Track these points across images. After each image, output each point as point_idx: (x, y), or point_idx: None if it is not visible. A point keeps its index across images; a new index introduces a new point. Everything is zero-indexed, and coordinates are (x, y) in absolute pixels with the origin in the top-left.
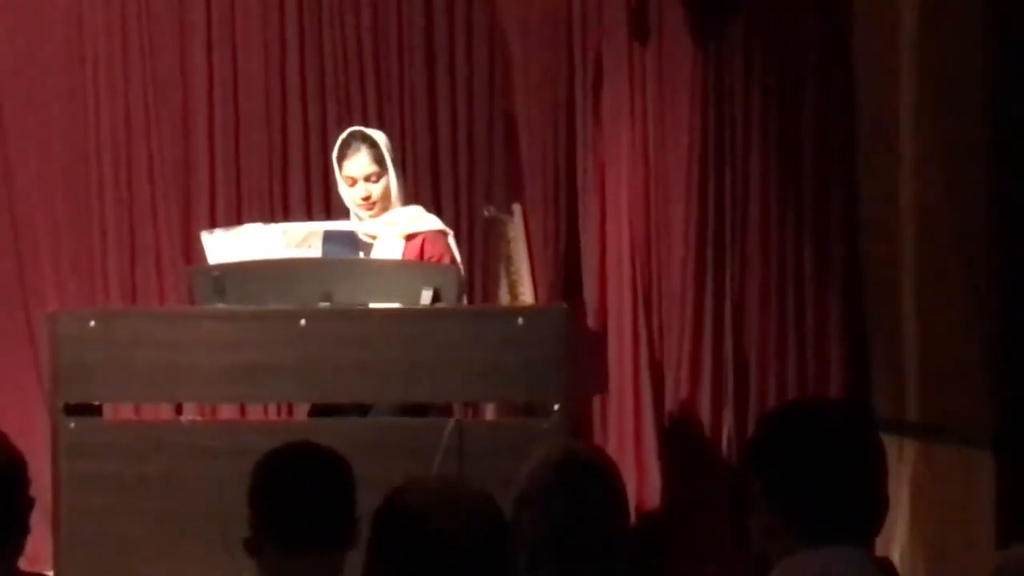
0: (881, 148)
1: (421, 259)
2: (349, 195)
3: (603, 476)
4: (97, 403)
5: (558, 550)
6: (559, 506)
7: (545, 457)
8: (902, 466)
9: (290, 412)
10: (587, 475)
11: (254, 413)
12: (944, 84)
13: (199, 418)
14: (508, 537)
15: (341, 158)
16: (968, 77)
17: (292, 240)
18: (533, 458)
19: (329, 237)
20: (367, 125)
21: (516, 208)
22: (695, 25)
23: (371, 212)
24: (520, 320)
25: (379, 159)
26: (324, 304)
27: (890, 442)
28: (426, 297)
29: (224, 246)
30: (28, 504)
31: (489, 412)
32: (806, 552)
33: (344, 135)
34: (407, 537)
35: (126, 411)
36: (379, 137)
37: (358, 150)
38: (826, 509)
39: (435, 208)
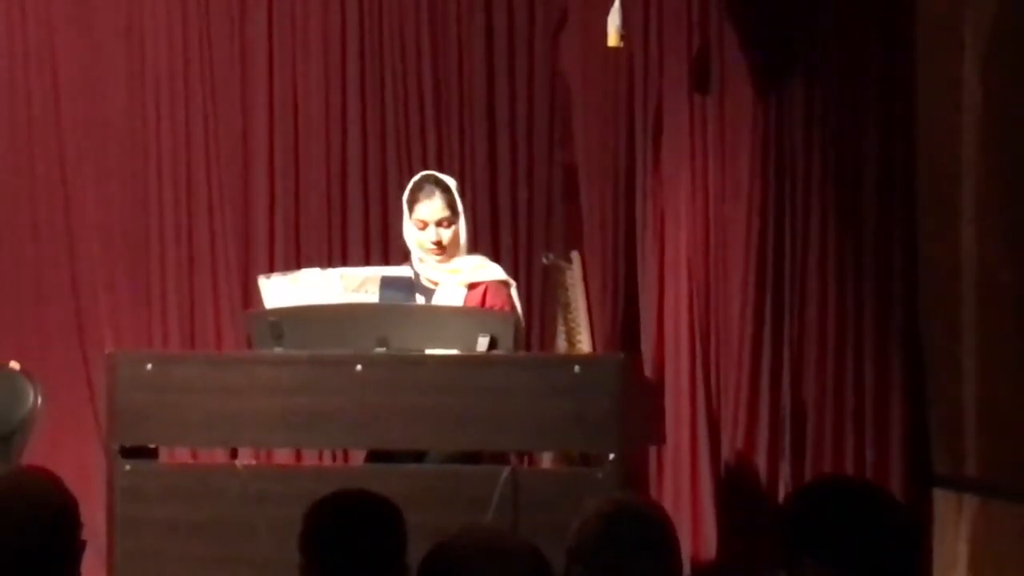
0: (942, 207)
1: (482, 307)
2: (418, 239)
3: (655, 530)
4: (153, 446)
5: None
6: (609, 560)
7: (597, 509)
8: (961, 522)
9: (346, 458)
10: (639, 528)
11: (310, 458)
12: (1006, 147)
13: (254, 463)
14: None
15: (413, 201)
16: None
17: (349, 285)
18: (585, 509)
19: (386, 282)
20: (427, 170)
21: (575, 256)
22: (756, 76)
23: (440, 257)
24: (576, 369)
25: (451, 204)
26: (380, 349)
27: (949, 498)
28: (482, 344)
29: (281, 290)
30: (80, 547)
31: (546, 461)
32: None
33: (417, 178)
34: None
35: (182, 455)
36: (451, 183)
37: (431, 194)
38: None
39: (494, 254)
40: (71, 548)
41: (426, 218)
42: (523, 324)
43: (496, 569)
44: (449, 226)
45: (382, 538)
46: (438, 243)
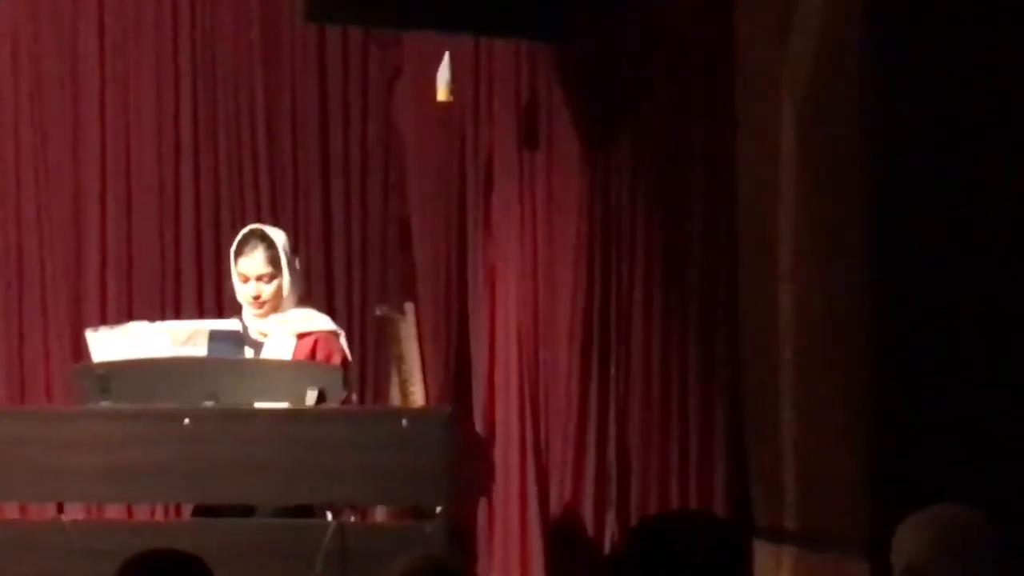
0: (762, 256)
1: (312, 358)
2: (241, 292)
3: None
4: None
5: None
6: None
7: (408, 567)
8: (780, 573)
9: (178, 512)
10: None
11: (140, 513)
12: (821, 195)
13: (81, 518)
14: None
15: (238, 254)
16: (846, 185)
17: (178, 338)
18: (396, 568)
19: (215, 336)
20: (261, 221)
21: (408, 307)
22: (583, 133)
23: (258, 312)
24: (404, 422)
25: (274, 260)
26: (209, 403)
27: (768, 549)
28: (311, 397)
29: (110, 344)
30: None
31: (380, 513)
32: None
33: (244, 231)
34: None
35: (9, 510)
36: (278, 237)
37: (255, 248)
38: None
39: (328, 306)
40: None
41: (247, 272)
42: (355, 373)
43: None
44: (270, 281)
45: None
46: (256, 297)
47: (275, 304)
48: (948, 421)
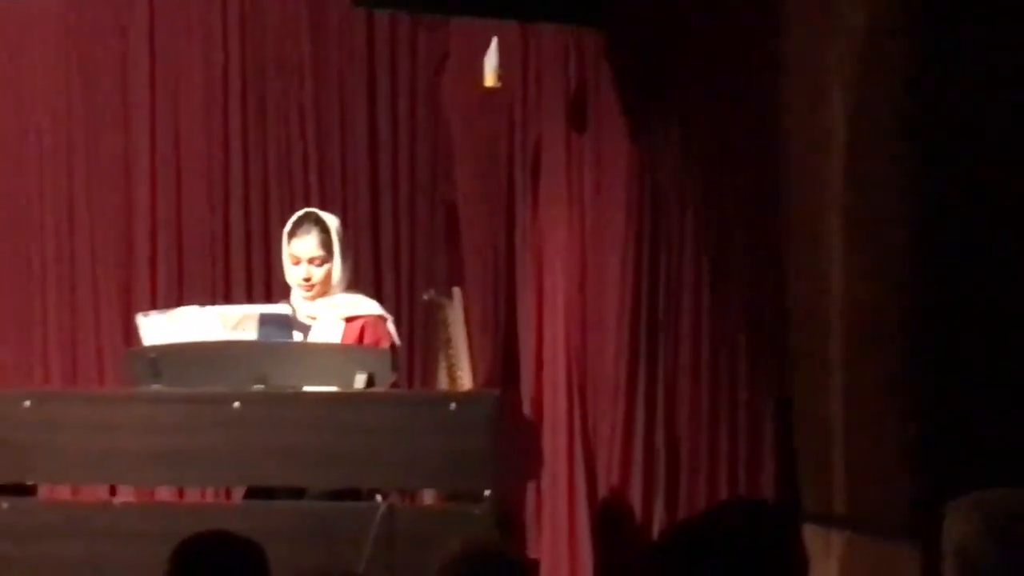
0: (810, 242)
1: (360, 343)
2: (291, 273)
3: (515, 573)
4: (31, 483)
5: None
6: None
7: (459, 552)
8: (829, 558)
9: (227, 495)
10: (498, 571)
11: (190, 495)
12: (873, 179)
13: (132, 500)
14: None
15: (291, 236)
16: (897, 171)
17: (227, 323)
18: (448, 551)
19: (264, 320)
20: (309, 206)
21: (456, 292)
22: (631, 118)
23: (309, 294)
24: (452, 406)
25: (327, 244)
26: (258, 387)
27: (817, 534)
28: (360, 381)
29: (160, 329)
30: None
31: (428, 496)
32: None
33: (299, 213)
34: None
35: (61, 492)
36: (332, 222)
37: (308, 231)
38: None
39: (376, 291)
40: None
41: (299, 254)
42: (403, 357)
43: None
44: (321, 265)
45: None
46: (307, 280)
47: (324, 288)
48: (996, 406)
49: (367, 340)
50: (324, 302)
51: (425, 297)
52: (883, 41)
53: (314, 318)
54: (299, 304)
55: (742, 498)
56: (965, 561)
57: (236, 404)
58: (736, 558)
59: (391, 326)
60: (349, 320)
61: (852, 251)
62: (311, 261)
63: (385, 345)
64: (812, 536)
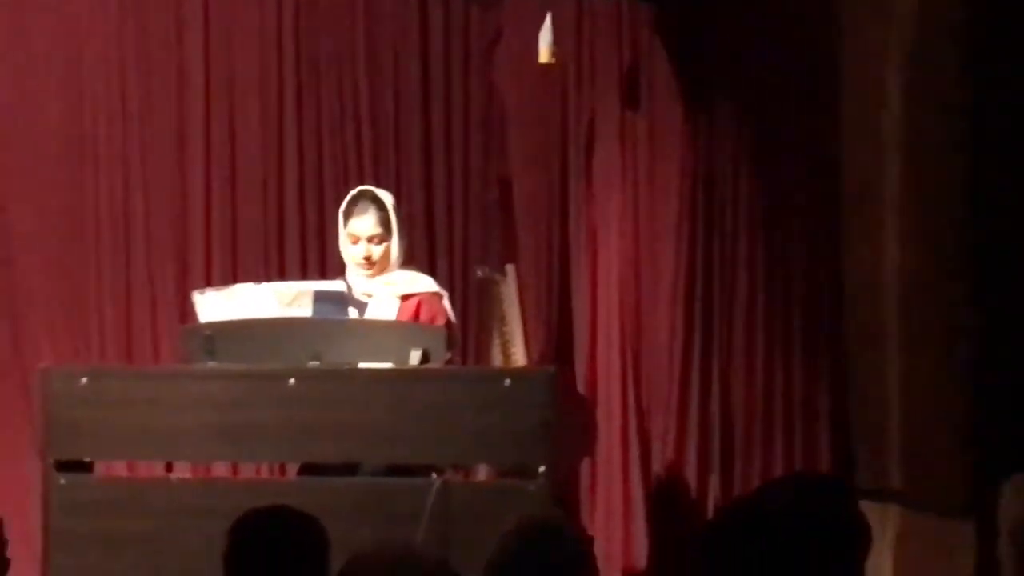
0: (866, 220)
1: (416, 320)
2: (350, 252)
3: (573, 549)
4: (88, 460)
5: None
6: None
7: (516, 527)
8: (884, 534)
9: (282, 471)
10: (557, 547)
11: (245, 471)
12: (928, 158)
13: (188, 476)
14: None
15: (348, 215)
16: (952, 150)
17: (283, 299)
18: (506, 526)
19: (319, 297)
20: (363, 183)
21: (510, 269)
22: (685, 92)
23: (368, 272)
24: (507, 382)
25: (385, 221)
26: (314, 363)
27: (873, 510)
28: (414, 358)
29: (216, 306)
30: (5, 564)
31: (482, 473)
32: None
33: (355, 192)
34: None
35: (118, 468)
36: (387, 199)
37: (365, 210)
38: None
39: (429, 268)
40: None
41: (358, 233)
42: (459, 334)
43: None
44: (380, 243)
45: (304, 555)
46: (367, 258)
47: (384, 265)
48: None
49: (423, 317)
50: (380, 279)
51: (479, 274)
52: (942, 10)
53: (370, 295)
54: (355, 281)
55: (797, 474)
56: (1021, 538)
57: (291, 381)
58: (791, 535)
59: (447, 303)
60: (405, 298)
61: (908, 226)
62: (370, 239)
63: (441, 322)
64: (867, 512)
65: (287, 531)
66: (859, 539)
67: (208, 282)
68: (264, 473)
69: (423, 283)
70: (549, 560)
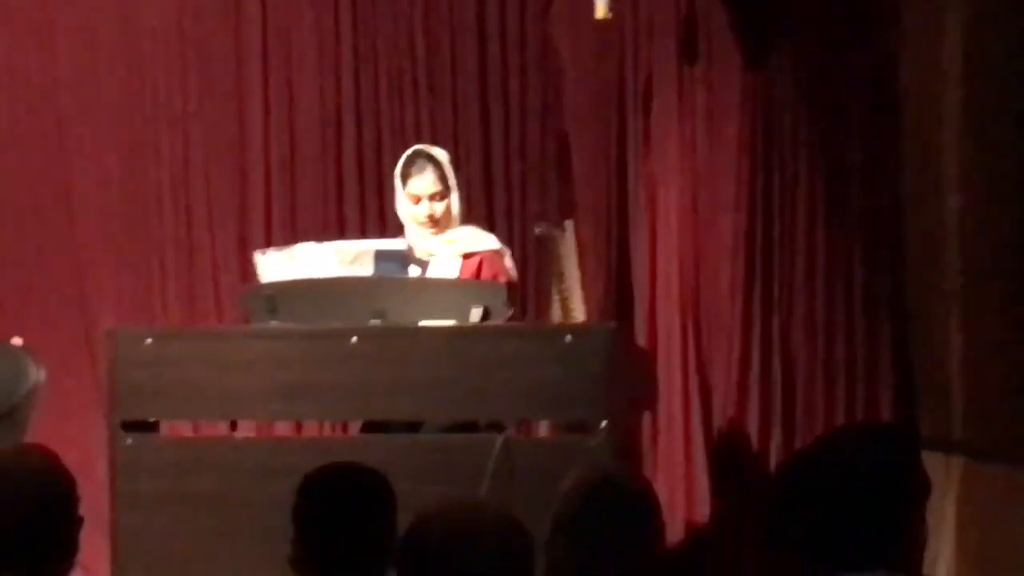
0: (926, 170)
1: (477, 278)
2: (411, 213)
3: (637, 500)
4: (153, 420)
5: (587, 572)
6: (590, 530)
7: (579, 479)
8: (948, 484)
9: (345, 429)
10: (620, 499)
11: (308, 430)
12: (989, 108)
13: (253, 435)
14: (534, 564)
15: (405, 176)
16: (1013, 100)
17: (344, 259)
18: (569, 478)
19: (380, 256)
20: (421, 142)
21: (568, 225)
22: (743, 45)
23: (433, 230)
24: (568, 338)
25: (443, 178)
26: (375, 322)
27: (937, 460)
28: (475, 315)
29: (277, 266)
30: (78, 523)
31: (543, 429)
32: None
33: (409, 153)
34: (430, 569)
35: (183, 428)
36: (442, 156)
37: (423, 169)
38: (851, 540)
39: (488, 224)
40: (69, 524)
41: (418, 192)
42: (518, 292)
43: (473, 548)
44: (441, 199)
45: (372, 511)
46: (431, 217)
47: (447, 222)
48: None
49: (485, 275)
50: (442, 237)
51: (537, 230)
52: None
53: (432, 254)
54: (416, 241)
55: (861, 424)
56: None
57: (353, 339)
58: (854, 485)
59: (509, 260)
60: (467, 256)
61: (968, 175)
62: (431, 198)
63: (503, 280)
64: (931, 462)
65: (356, 488)
66: (921, 489)
67: (269, 243)
68: (327, 432)
69: (485, 241)
70: (615, 514)
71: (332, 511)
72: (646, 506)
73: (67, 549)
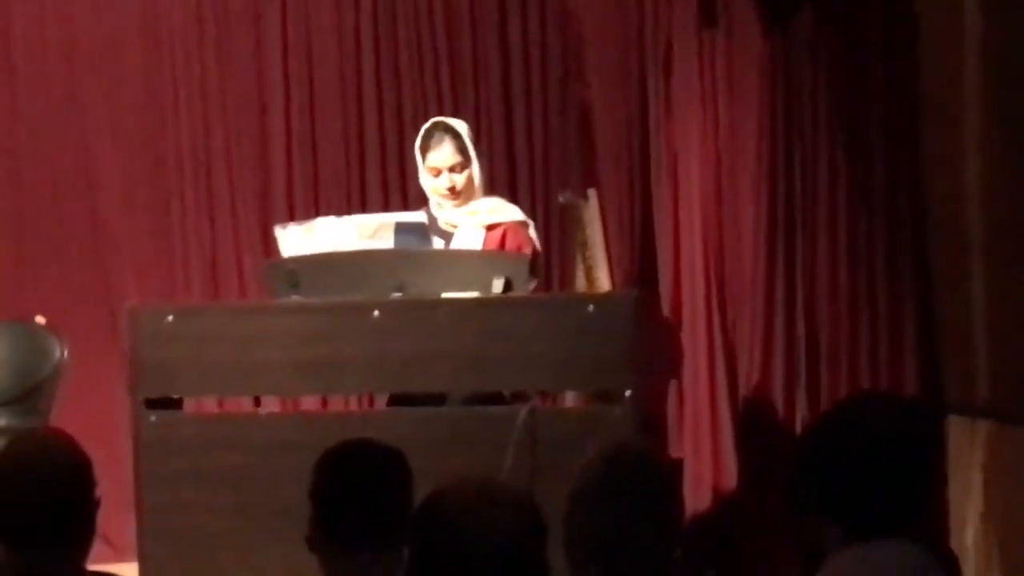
0: (947, 132)
1: (501, 249)
2: (432, 185)
3: (656, 475)
4: (177, 397)
5: (606, 547)
6: (609, 505)
7: (599, 454)
8: (974, 448)
9: (371, 403)
10: (639, 474)
11: (333, 404)
12: (1009, 68)
13: (276, 411)
14: (545, 542)
15: (424, 149)
16: None
17: (364, 232)
18: (588, 454)
19: (400, 228)
20: (442, 113)
21: (591, 193)
22: (763, 10)
23: (455, 202)
24: (591, 307)
25: (462, 149)
26: (397, 295)
27: (962, 424)
28: (497, 286)
29: (298, 240)
30: (94, 504)
31: (569, 399)
32: (856, 547)
33: (427, 126)
34: (441, 547)
35: (207, 404)
36: (461, 127)
37: (441, 141)
38: (874, 506)
39: (511, 194)
40: (86, 505)
41: (438, 165)
42: (542, 263)
43: (486, 526)
44: (462, 171)
45: (387, 489)
46: (452, 188)
47: (468, 194)
48: None
49: (508, 246)
50: (465, 209)
51: (560, 199)
52: None
53: (455, 226)
54: (439, 213)
55: (883, 394)
56: None
57: (375, 312)
58: (878, 450)
59: (532, 231)
60: (491, 227)
61: (989, 134)
62: (451, 169)
63: (527, 251)
64: (957, 426)
65: (371, 464)
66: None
67: (290, 216)
68: (353, 406)
69: (509, 212)
70: (634, 488)
71: (347, 489)
72: (666, 481)
73: (84, 531)
